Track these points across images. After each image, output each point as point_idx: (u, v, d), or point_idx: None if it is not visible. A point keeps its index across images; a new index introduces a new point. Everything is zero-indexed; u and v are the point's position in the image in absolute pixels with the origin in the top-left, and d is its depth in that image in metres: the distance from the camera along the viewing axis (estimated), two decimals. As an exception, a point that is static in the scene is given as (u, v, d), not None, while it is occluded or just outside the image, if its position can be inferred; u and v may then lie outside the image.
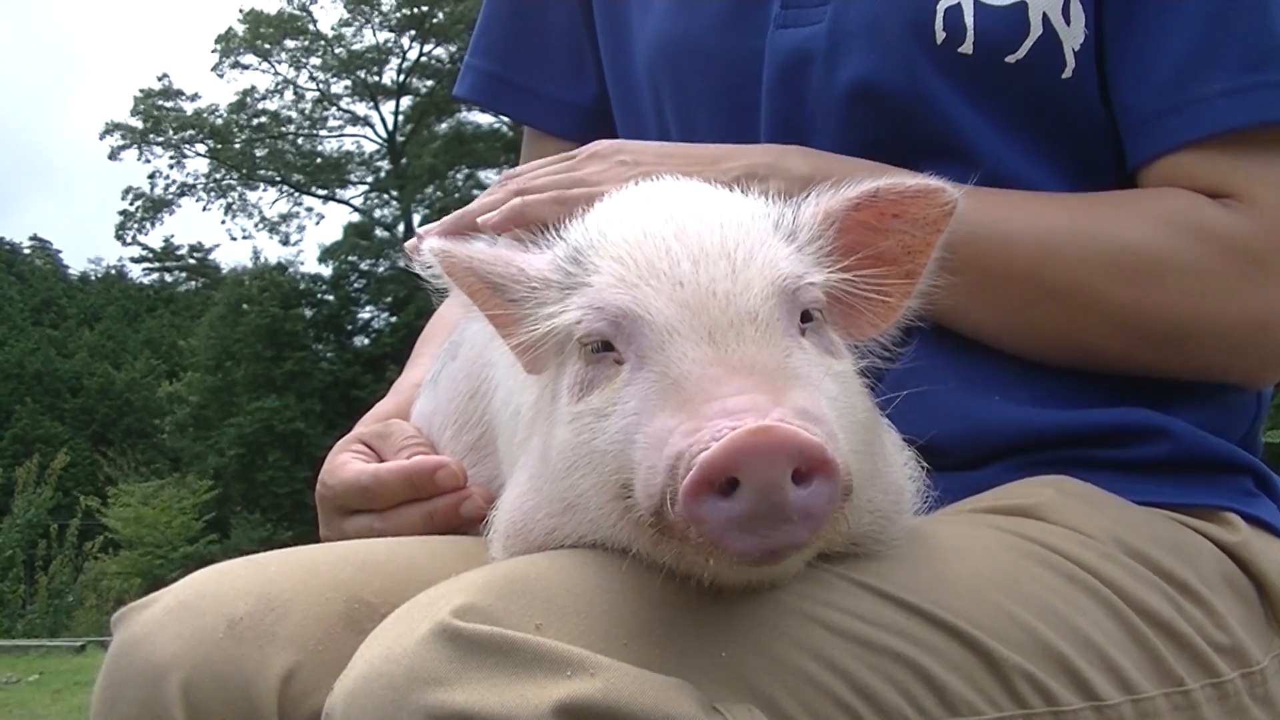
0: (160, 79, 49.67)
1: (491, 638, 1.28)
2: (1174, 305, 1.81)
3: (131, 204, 48.13)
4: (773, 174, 1.77)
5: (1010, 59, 1.89)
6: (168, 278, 56.96)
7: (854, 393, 1.42)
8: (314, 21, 45.74)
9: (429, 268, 1.52)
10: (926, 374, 1.66)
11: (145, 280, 58.70)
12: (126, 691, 1.55)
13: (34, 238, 67.13)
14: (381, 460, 1.99)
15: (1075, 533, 1.70)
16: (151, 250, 53.08)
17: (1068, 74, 1.89)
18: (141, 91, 46.65)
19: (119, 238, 49.30)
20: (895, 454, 1.59)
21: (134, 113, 46.21)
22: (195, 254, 53.67)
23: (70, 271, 63.90)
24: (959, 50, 1.90)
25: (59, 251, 66.32)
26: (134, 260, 56.63)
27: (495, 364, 1.82)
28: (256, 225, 47.56)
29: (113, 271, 61.49)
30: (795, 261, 1.40)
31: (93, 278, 62.36)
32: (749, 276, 1.34)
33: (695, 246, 1.36)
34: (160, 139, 46.51)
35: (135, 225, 48.87)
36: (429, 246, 1.51)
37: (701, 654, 1.35)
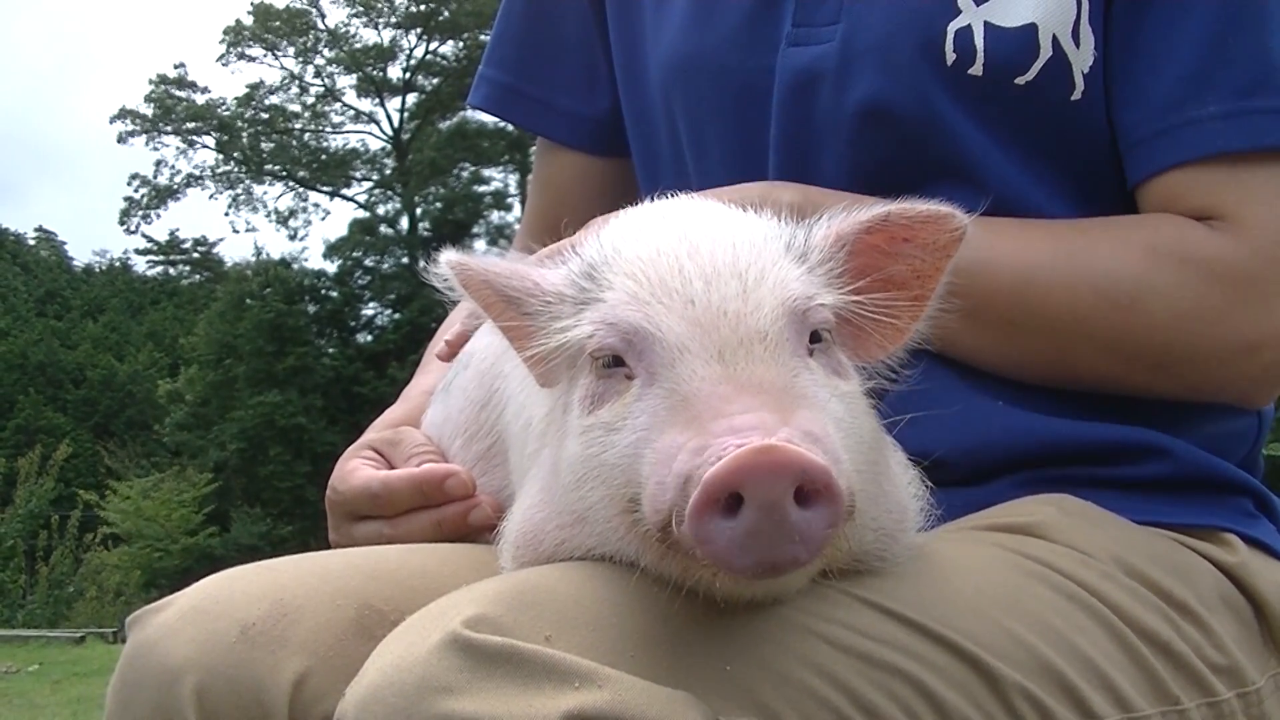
0: (176, 67, 49.63)
1: (502, 648, 1.30)
2: (1160, 330, 1.83)
3: (136, 191, 48.08)
4: (763, 205, 1.78)
5: (1020, 80, 1.90)
6: (171, 271, 56.89)
7: (860, 413, 1.44)
8: (322, 16, 45.73)
9: (444, 281, 1.53)
10: (931, 379, 1.68)
11: (149, 273, 58.68)
12: (140, 694, 1.57)
13: (39, 229, 67.16)
14: (391, 467, 2.01)
15: (1075, 551, 1.72)
16: (156, 243, 53.00)
17: (1077, 96, 1.91)
18: (157, 76, 46.65)
19: (122, 224, 49.18)
20: (900, 473, 1.60)
21: (148, 99, 46.16)
22: (199, 248, 53.61)
23: (75, 263, 63.93)
24: (969, 71, 1.91)
25: (64, 243, 66.34)
26: (138, 252, 56.57)
27: (507, 375, 1.84)
28: (267, 217, 47.54)
29: (117, 264, 61.50)
30: (806, 283, 1.41)
31: (97, 270, 62.34)
32: (760, 296, 1.36)
33: (708, 265, 1.38)
34: (170, 128, 46.43)
35: (140, 213, 48.75)
36: (445, 259, 1.53)
37: (707, 667, 1.36)
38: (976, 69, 1.91)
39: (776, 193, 1.83)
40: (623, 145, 2.39)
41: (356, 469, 2.00)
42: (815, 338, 1.40)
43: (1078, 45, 1.90)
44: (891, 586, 1.53)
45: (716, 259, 1.39)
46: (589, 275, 1.45)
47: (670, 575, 1.36)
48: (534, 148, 2.67)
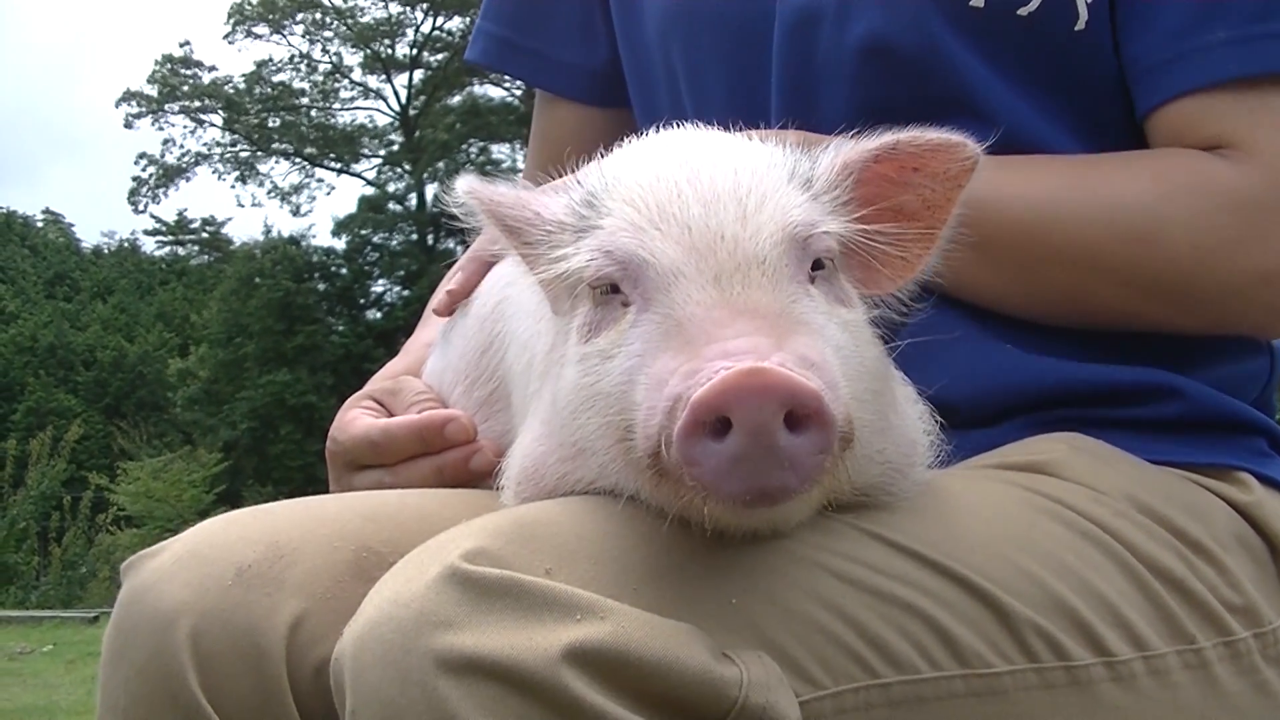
0: (182, 45, 49.45)
1: (501, 581, 1.29)
2: (1177, 260, 1.80)
3: (144, 170, 48.01)
4: None
5: (1022, 11, 1.87)
6: (180, 251, 56.95)
7: (863, 342, 1.42)
8: (329, -7, 45.59)
9: (461, 207, 1.53)
10: (940, 323, 1.66)
11: (158, 253, 58.77)
12: (136, 639, 1.56)
13: (47, 211, 67.28)
14: (391, 416, 2.00)
15: (1088, 489, 1.70)
16: (164, 223, 53.01)
17: (1080, 26, 1.88)
18: (162, 56, 46.53)
19: (131, 204, 49.11)
20: (908, 407, 1.59)
21: (151, 80, 46.05)
22: (208, 227, 53.61)
23: (83, 244, 64.01)
24: (970, 4, 1.88)
25: (72, 225, 66.42)
26: (147, 233, 56.58)
27: (508, 317, 1.84)
28: (269, 194, 47.47)
29: (125, 245, 61.59)
30: (808, 210, 1.39)
31: (106, 251, 62.43)
32: (759, 222, 1.34)
33: (707, 191, 1.37)
34: (176, 107, 46.35)
35: (149, 193, 48.65)
36: (461, 185, 1.53)
37: (712, 600, 1.35)
38: (978, 1, 1.88)
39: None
40: (622, 95, 2.38)
41: (356, 418, 1.99)
42: (818, 265, 1.39)
43: None
44: (901, 521, 1.52)
45: (716, 184, 1.37)
46: (589, 203, 1.44)
47: (667, 506, 1.35)
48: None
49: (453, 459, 1.88)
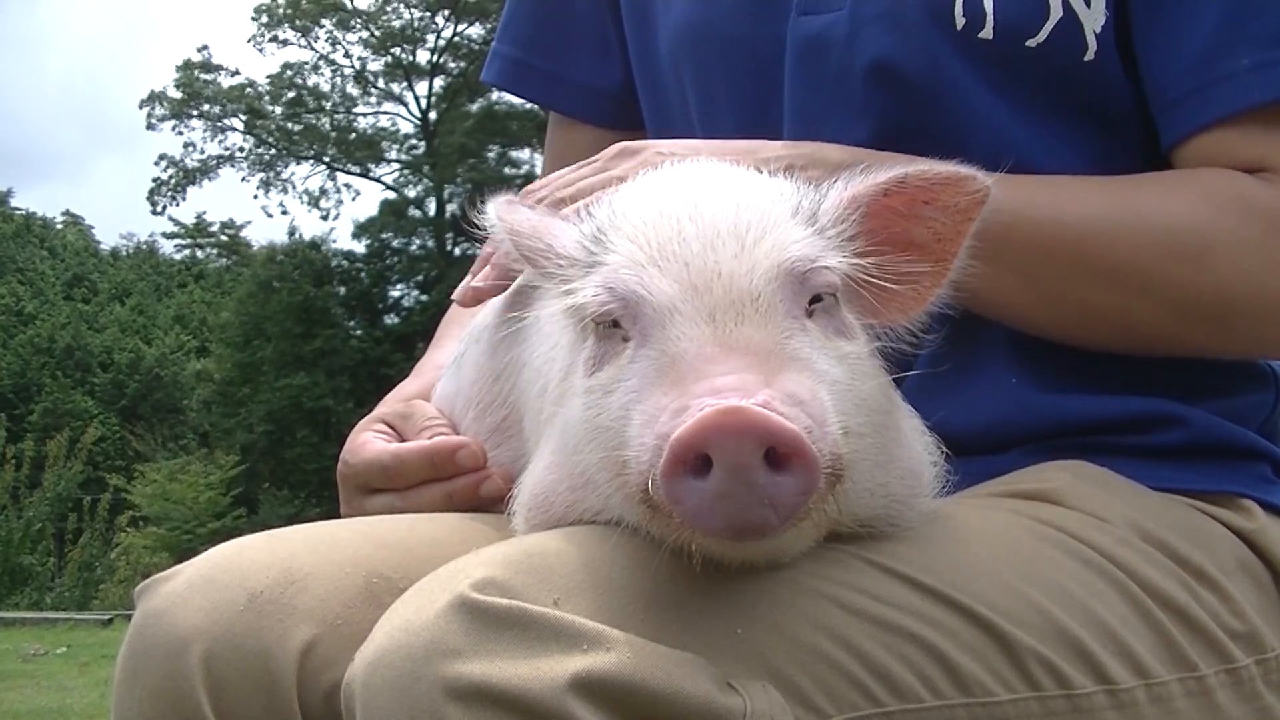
0: (200, 50, 49.30)
1: (510, 611, 1.30)
2: (1224, 282, 1.78)
3: (164, 171, 47.93)
4: (810, 164, 1.75)
5: (1031, 43, 1.88)
6: (199, 254, 56.99)
7: (862, 375, 1.42)
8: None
9: (491, 228, 1.56)
10: (943, 360, 1.67)
11: (176, 256, 58.84)
12: (149, 663, 1.57)
13: (66, 213, 67.41)
14: (403, 440, 2.01)
15: (1092, 517, 1.71)
16: (183, 225, 53.07)
17: (1089, 56, 1.88)
18: (183, 62, 46.47)
19: (150, 204, 49.06)
20: (913, 438, 1.59)
21: (176, 85, 46.01)
22: (226, 230, 53.62)
23: (102, 246, 64.15)
24: (979, 35, 1.88)
25: (91, 227, 66.61)
26: (165, 235, 56.68)
27: (522, 343, 1.84)
28: (303, 197, 47.28)
29: (144, 247, 61.71)
30: (809, 244, 1.40)
31: (124, 253, 62.56)
32: (756, 257, 1.35)
33: (708, 228, 1.38)
34: (197, 112, 46.28)
35: (169, 194, 48.53)
36: (491, 209, 1.55)
37: (717, 631, 1.37)
38: (987, 33, 1.88)
39: (824, 152, 1.81)
40: (636, 118, 2.38)
41: (368, 442, 2.00)
42: (816, 299, 1.40)
43: (1088, 4, 1.87)
44: (905, 551, 1.52)
45: (718, 221, 1.39)
46: (596, 239, 1.46)
47: (661, 537, 1.36)
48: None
49: (463, 485, 1.89)
